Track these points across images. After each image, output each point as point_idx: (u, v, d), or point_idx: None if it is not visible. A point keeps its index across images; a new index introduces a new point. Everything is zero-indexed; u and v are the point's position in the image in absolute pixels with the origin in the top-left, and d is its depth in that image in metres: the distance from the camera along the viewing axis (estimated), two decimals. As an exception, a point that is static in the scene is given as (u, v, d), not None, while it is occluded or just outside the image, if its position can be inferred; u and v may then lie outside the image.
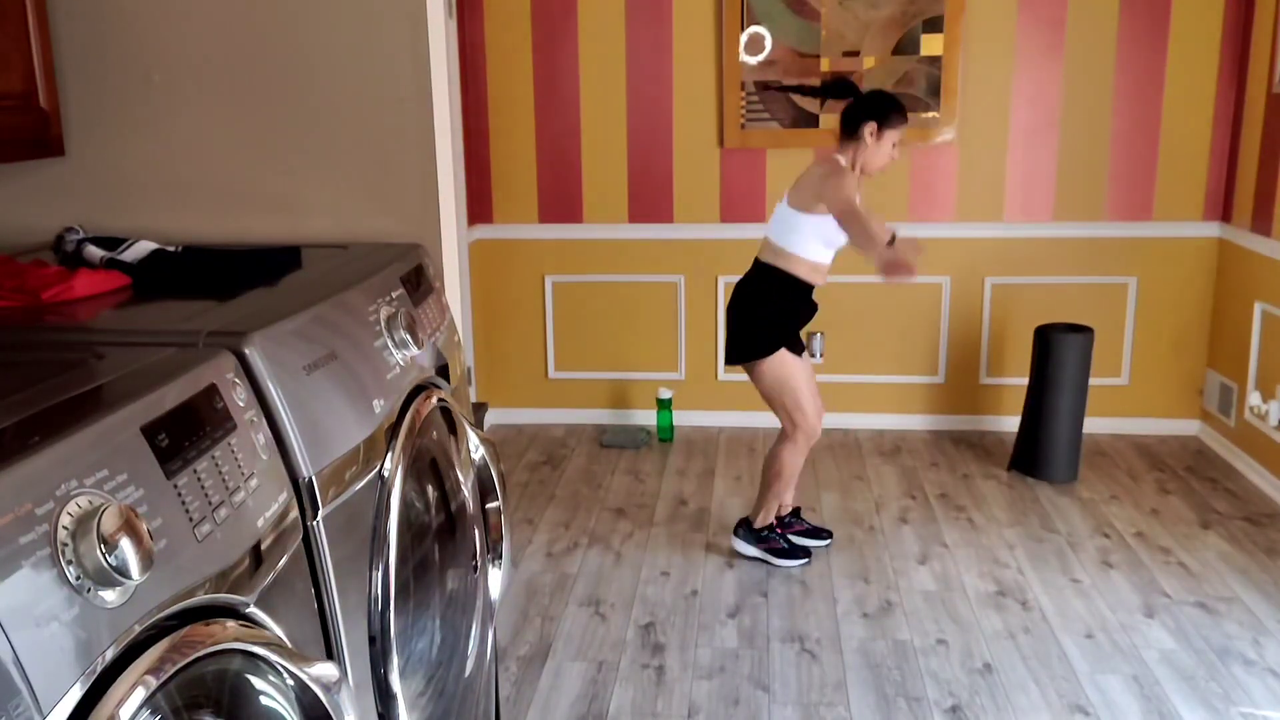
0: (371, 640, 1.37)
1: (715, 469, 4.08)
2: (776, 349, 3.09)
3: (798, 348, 3.16)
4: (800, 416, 3.14)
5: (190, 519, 0.98)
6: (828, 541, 3.37)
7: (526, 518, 3.65)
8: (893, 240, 2.93)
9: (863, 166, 3.06)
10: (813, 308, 3.18)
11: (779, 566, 3.25)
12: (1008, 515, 3.62)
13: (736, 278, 4.39)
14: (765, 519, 3.28)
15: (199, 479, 1.01)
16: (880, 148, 3.04)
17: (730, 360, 3.19)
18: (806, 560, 3.25)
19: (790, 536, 3.33)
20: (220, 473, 1.05)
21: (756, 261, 3.17)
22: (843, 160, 3.06)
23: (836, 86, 3.12)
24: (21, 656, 0.76)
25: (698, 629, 2.90)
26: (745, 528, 3.30)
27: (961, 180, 4.27)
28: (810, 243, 3.05)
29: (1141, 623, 2.89)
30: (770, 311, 3.11)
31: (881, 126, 3.02)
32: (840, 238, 3.04)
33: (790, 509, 3.39)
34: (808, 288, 3.12)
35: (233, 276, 1.61)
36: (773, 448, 3.25)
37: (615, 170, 4.39)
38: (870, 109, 3.03)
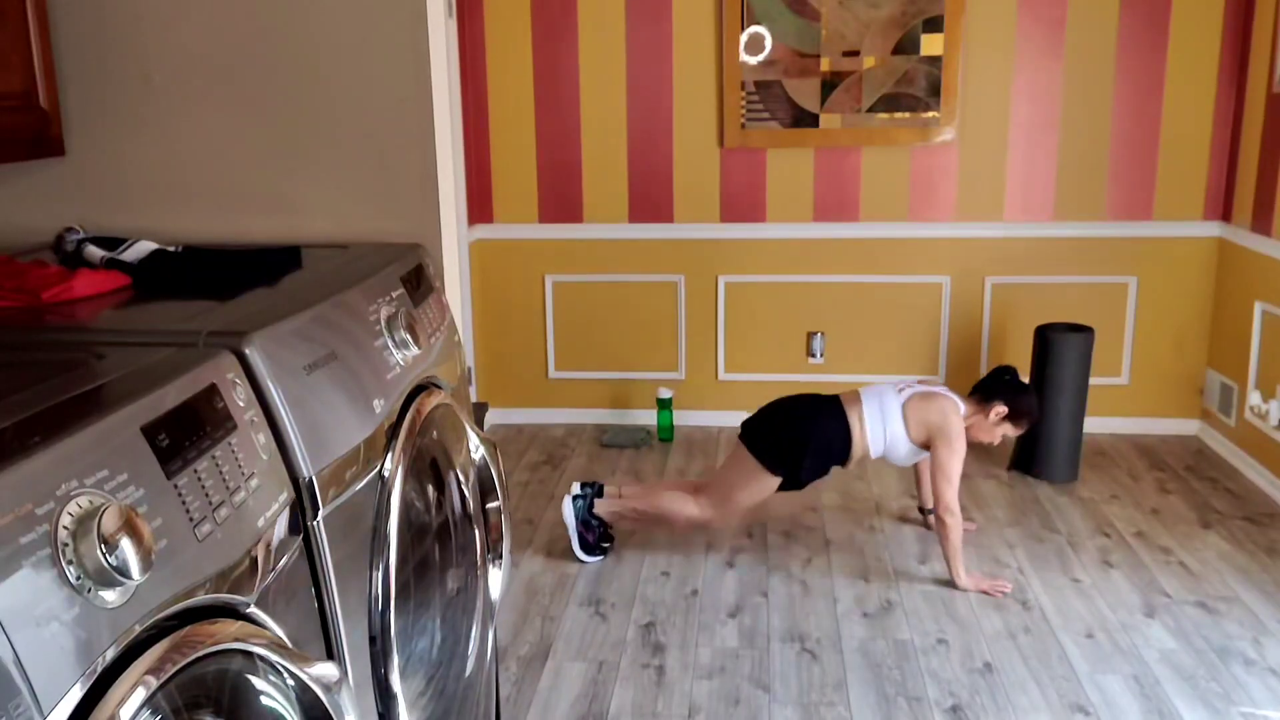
0: (372, 640, 1.37)
1: (715, 469, 4.08)
2: (778, 475, 3.07)
3: (790, 485, 3.12)
4: (724, 512, 3.13)
5: (190, 519, 0.98)
6: (598, 559, 3.30)
7: (527, 518, 3.65)
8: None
9: (969, 427, 3.12)
10: (827, 473, 3.16)
11: (572, 549, 3.27)
12: (1008, 515, 3.62)
13: (737, 278, 4.43)
14: (606, 511, 3.24)
15: (199, 479, 1.01)
16: (993, 430, 3.14)
17: (746, 439, 3.11)
18: (598, 558, 3.27)
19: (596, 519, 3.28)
20: (221, 473, 1.05)
21: (839, 401, 3.10)
22: (964, 410, 3.09)
23: (999, 371, 3.23)
24: (22, 656, 0.76)
25: (698, 629, 2.90)
26: (588, 500, 3.26)
27: (961, 180, 4.27)
28: (877, 444, 3.07)
29: (1142, 622, 2.89)
30: (812, 455, 3.06)
31: (1008, 416, 3.13)
32: (904, 460, 3.12)
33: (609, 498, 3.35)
34: (847, 457, 3.10)
35: (233, 276, 1.61)
36: (680, 502, 3.16)
37: (615, 170, 4.39)
38: (1011, 394, 3.13)
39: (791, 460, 3.05)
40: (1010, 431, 3.17)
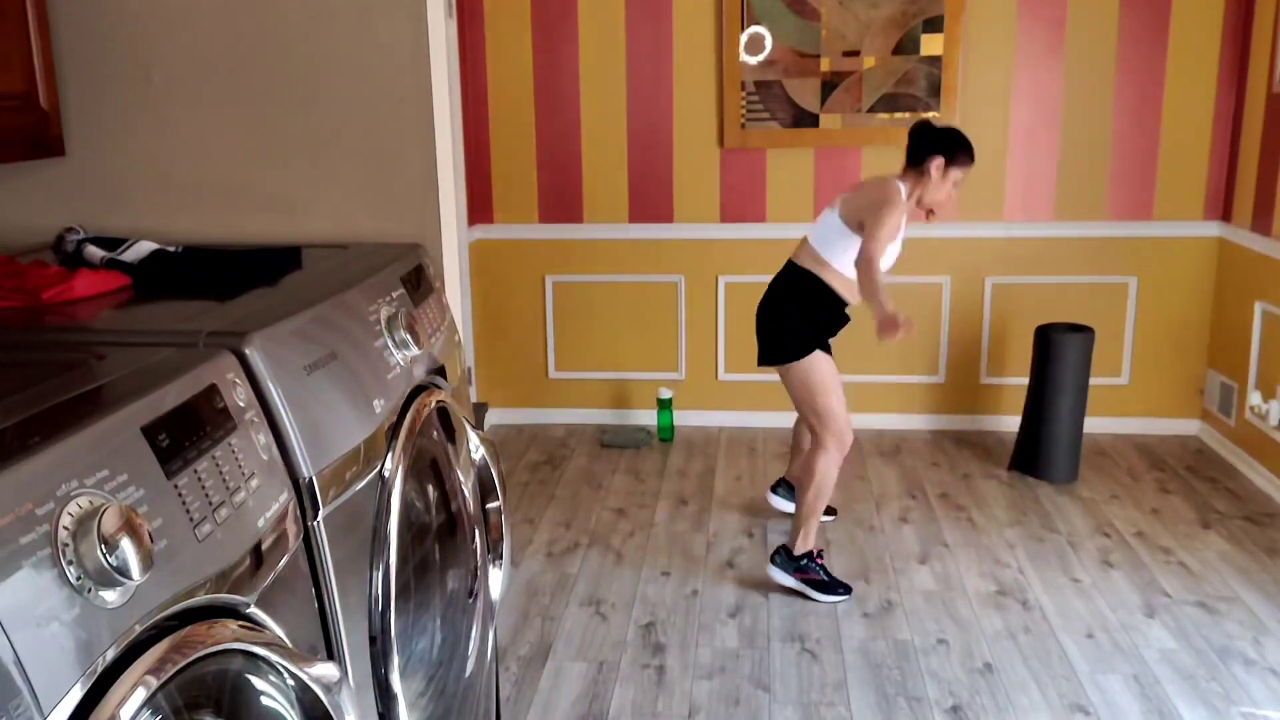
0: (372, 640, 1.37)
1: (716, 469, 4.08)
2: (810, 352, 3.04)
3: (828, 350, 3.11)
4: (831, 420, 3.06)
5: (191, 519, 0.98)
6: (832, 517, 3.36)
7: (527, 518, 3.65)
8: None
9: (919, 199, 3.04)
10: (845, 319, 3.15)
11: (818, 601, 3.05)
12: (1008, 515, 3.62)
13: (737, 278, 4.43)
14: (805, 544, 3.08)
15: (199, 479, 1.01)
16: (942, 185, 3.02)
17: (763, 361, 3.14)
18: (847, 595, 3.05)
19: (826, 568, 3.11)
20: (221, 473, 1.05)
21: (791, 264, 3.12)
22: (904, 189, 3.01)
23: (915, 129, 3.10)
24: (22, 657, 0.76)
25: (698, 629, 2.90)
26: (784, 555, 3.10)
27: (962, 180, 4.27)
28: (852, 259, 3.01)
29: (1142, 622, 2.89)
30: (804, 317, 3.07)
31: (948, 164, 3.00)
32: (886, 262, 3.01)
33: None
34: (842, 302, 3.10)
35: (233, 276, 1.61)
36: (806, 461, 3.12)
37: (615, 170, 4.39)
38: (940, 143, 3.01)
39: (797, 336, 3.04)
40: (958, 177, 3.01)
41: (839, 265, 3.05)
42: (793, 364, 3.06)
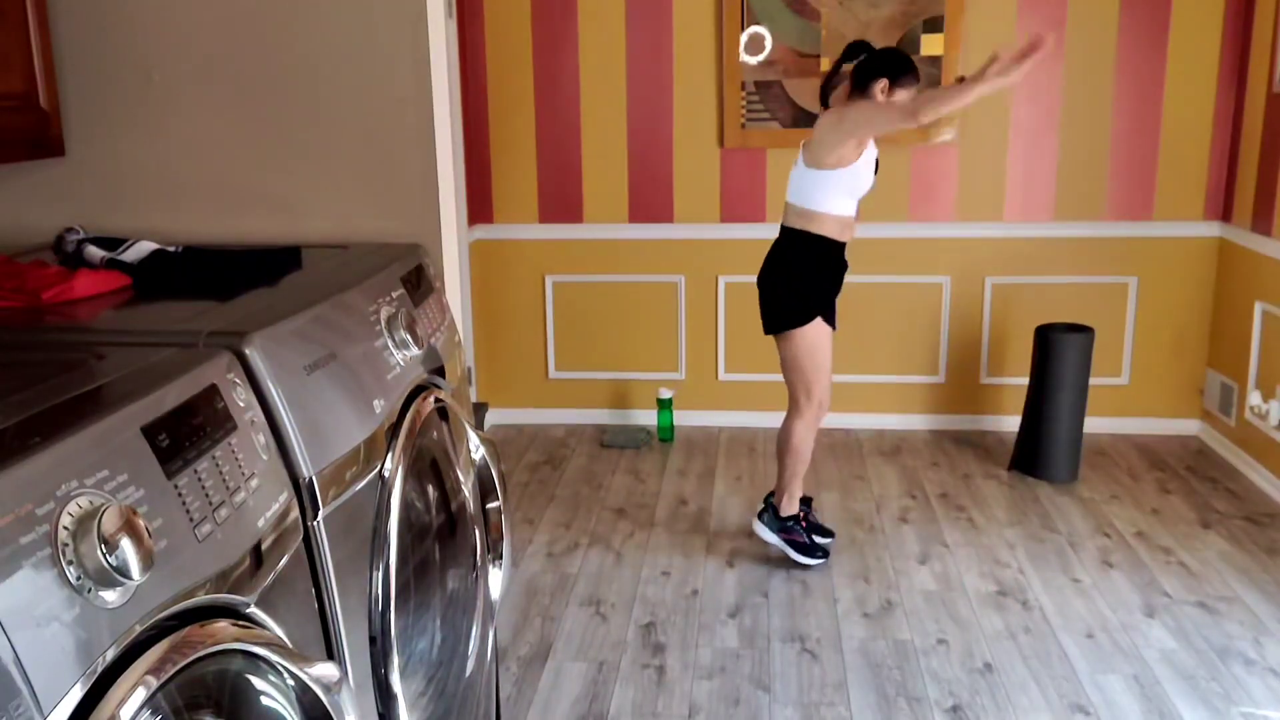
0: (372, 640, 1.37)
1: (716, 469, 4.08)
2: (813, 317, 3.06)
3: (830, 317, 3.13)
4: (817, 387, 3.12)
5: (191, 519, 0.98)
6: (830, 539, 3.35)
7: (527, 518, 3.65)
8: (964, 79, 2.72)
9: None
10: (844, 265, 3.15)
11: (797, 561, 3.22)
12: (1008, 515, 3.62)
13: (737, 278, 4.42)
14: (790, 505, 3.23)
15: (199, 479, 1.01)
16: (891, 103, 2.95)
17: (768, 330, 3.15)
18: (824, 559, 3.23)
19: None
20: (221, 473, 1.05)
21: (783, 229, 3.12)
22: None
23: (851, 48, 3.04)
24: (22, 657, 0.76)
25: (698, 629, 2.90)
26: (770, 512, 3.27)
27: (962, 180, 4.27)
28: (834, 197, 3.00)
29: (1142, 622, 2.89)
30: (806, 277, 3.07)
31: (893, 84, 2.93)
32: (863, 184, 2.99)
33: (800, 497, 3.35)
34: (839, 246, 3.09)
35: (233, 276, 1.61)
36: (784, 425, 3.21)
37: (615, 170, 4.39)
38: (883, 65, 2.96)
39: (801, 300, 3.05)
40: (905, 97, 2.91)
41: (826, 208, 3.02)
42: (796, 331, 3.07)
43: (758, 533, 3.29)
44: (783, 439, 3.22)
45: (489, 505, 1.93)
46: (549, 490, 3.89)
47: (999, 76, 2.60)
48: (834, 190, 3.00)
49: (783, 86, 4.21)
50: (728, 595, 3.09)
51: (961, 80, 2.72)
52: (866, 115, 2.91)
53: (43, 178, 2.05)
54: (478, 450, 1.88)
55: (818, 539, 3.31)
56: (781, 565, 3.26)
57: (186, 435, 1.02)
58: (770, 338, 3.20)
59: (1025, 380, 4.28)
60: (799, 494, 3.26)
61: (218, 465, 1.05)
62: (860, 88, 3.00)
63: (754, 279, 4.39)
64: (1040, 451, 3.90)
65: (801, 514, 3.27)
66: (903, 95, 2.93)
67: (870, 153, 3.04)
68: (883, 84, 2.95)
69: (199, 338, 1.21)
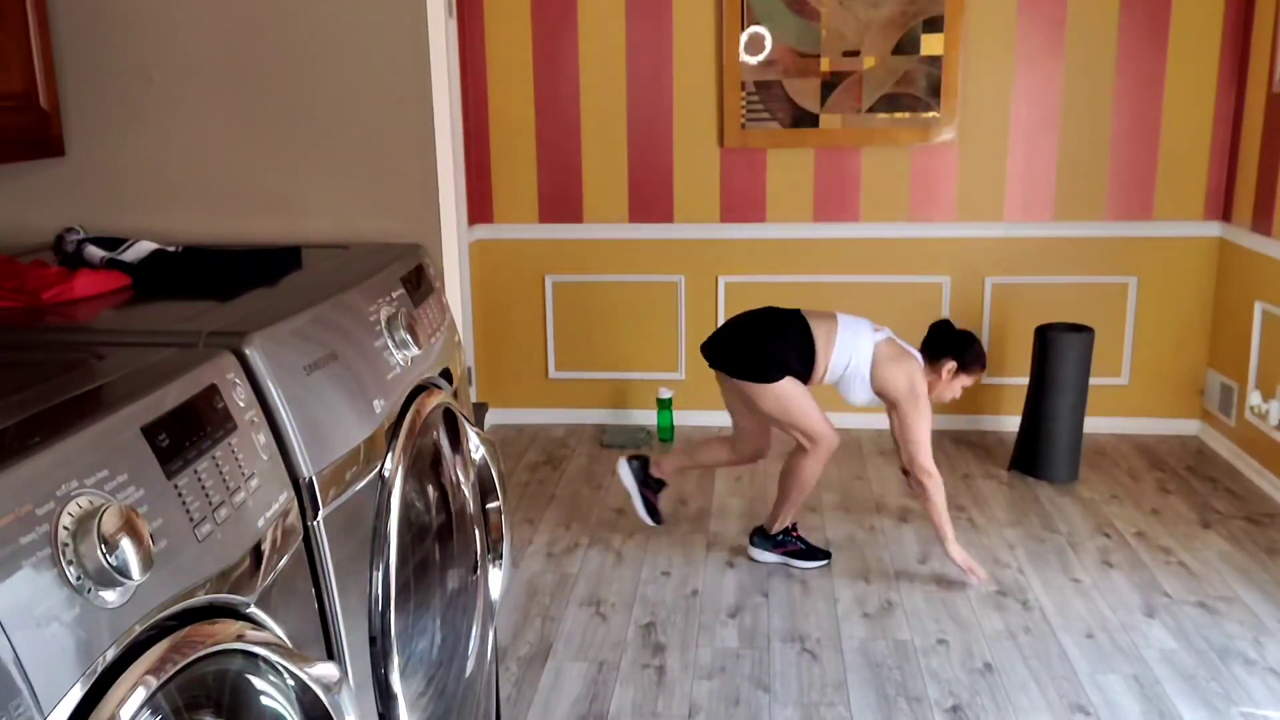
0: (372, 640, 1.37)
1: (716, 469, 4.08)
2: (781, 378, 3.05)
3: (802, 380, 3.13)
4: (817, 435, 3.09)
5: (191, 519, 0.98)
6: (825, 562, 3.27)
7: (527, 518, 3.65)
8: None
9: (931, 386, 3.15)
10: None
11: (800, 568, 3.23)
12: (1008, 515, 3.62)
13: (737, 278, 4.43)
14: (781, 526, 3.24)
15: (199, 479, 1.01)
16: (950, 386, 3.16)
17: (732, 373, 3.11)
18: (826, 561, 3.24)
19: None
20: (221, 473, 1.05)
21: (799, 314, 3.13)
22: (922, 378, 3.09)
23: (936, 326, 3.23)
24: (22, 657, 0.76)
25: (698, 629, 2.90)
26: (760, 535, 3.27)
27: (962, 180, 4.27)
28: (848, 373, 3.08)
29: (1142, 622, 2.89)
30: (789, 356, 3.08)
31: (959, 369, 3.13)
32: (858, 399, 3.13)
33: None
34: (810, 370, 3.11)
35: (233, 276, 1.61)
36: (791, 459, 3.18)
37: (615, 170, 4.39)
38: (956, 348, 3.13)
39: (774, 362, 3.05)
40: (966, 383, 3.16)
41: (835, 361, 3.08)
42: (765, 386, 3.06)
43: (754, 557, 3.29)
44: (791, 469, 3.17)
45: (489, 505, 1.93)
46: (549, 490, 3.89)
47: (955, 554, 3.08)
48: (848, 377, 3.10)
49: (783, 86, 4.21)
50: (728, 595, 3.09)
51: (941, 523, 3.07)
52: (911, 418, 3.05)
53: (43, 178, 2.05)
54: (478, 450, 1.88)
55: (805, 564, 3.25)
56: (781, 565, 3.26)
57: (186, 435, 1.02)
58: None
59: (1025, 380, 4.28)
60: (791, 518, 3.25)
61: (218, 465, 1.05)
62: (932, 356, 3.14)
63: (754, 278, 4.42)
64: (1040, 451, 3.90)
65: (790, 525, 3.26)
66: (964, 380, 3.16)
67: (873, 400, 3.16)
68: (951, 365, 3.12)
69: (199, 338, 1.21)
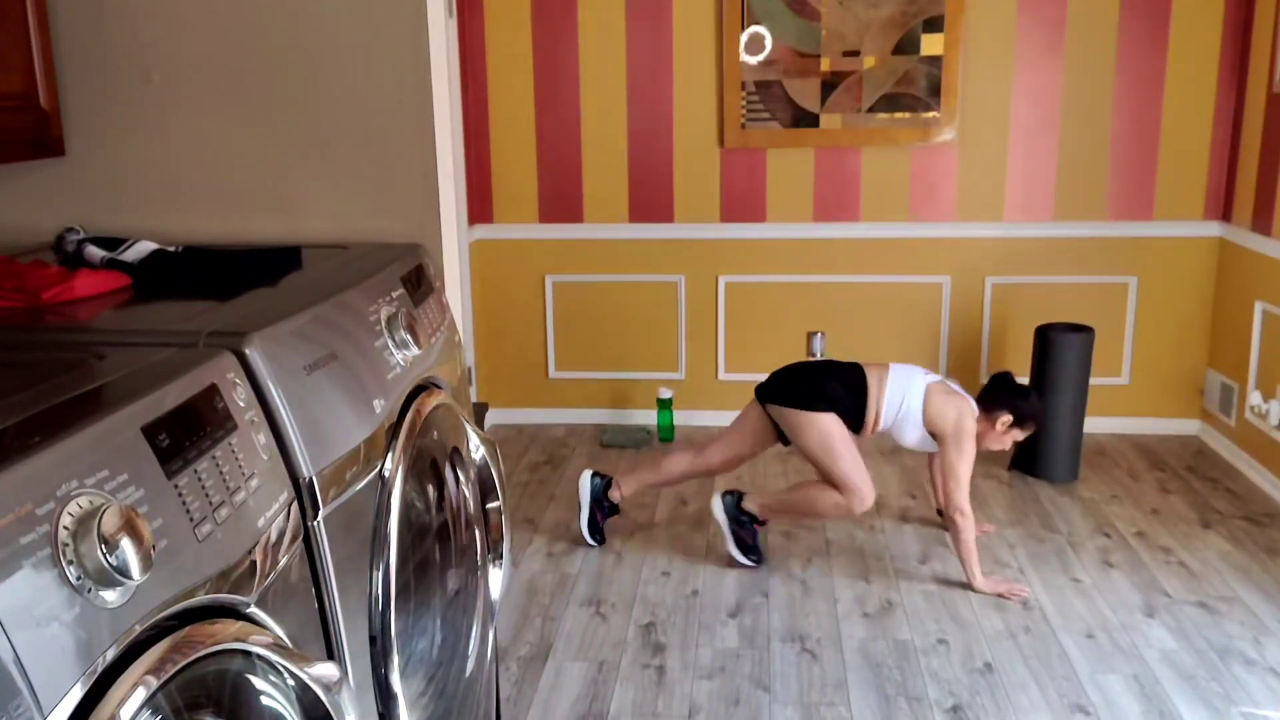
0: (372, 640, 1.37)
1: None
2: (827, 410, 3.05)
3: (851, 426, 3.13)
4: (851, 483, 3.03)
5: (191, 519, 0.98)
6: (754, 563, 3.22)
7: (527, 518, 3.65)
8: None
9: (978, 437, 3.16)
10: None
11: (729, 550, 3.22)
12: (1008, 515, 3.62)
13: (737, 278, 4.43)
14: (757, 510, 3.21)
15: (199, 479, 1.01)
16: (1001, 438, 3.18)
17: (781, 401, 3.10)
18: (755, 565, 3.22)
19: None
20: (221, 473, 1.05)
21: (858, 366, 3.16)
22: (975, 425, 3.10)
23: (997, 377, 3.27)
24: (22, 656, 0.76)
25: (698, 629, 2.90)
26: (734, 498, 3.23)
27: (962, 180, 4.27)
28: (900, 416, 3.10)
29: (1142, 622, 2.89)
30: (837, 392, 3.10)
31: (1014, 424, 3.15)
32: (910, 439, 3.14)
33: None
34: (862, 417, 3.12)
35: (233, 276, 1.61)
36: (817, 489, 3.10)
37: (615, 170, 4.39)
38: (1013, 401, 3.15)
39: (824, 395, 3.07)
40: (1018, 436, 3.19)
41: (888, 405, 3.11)
42: (807, 414, 3.04)
43: (714, 508, 3.24)
44: (814, 493, 3.11)
45: (489, 505, 1.93)
46: (549, 490, 3.89)
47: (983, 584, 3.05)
48: (900, 419, 3.12)
49: (783, 86, 4.21)
50: (728, 595, 3.09)
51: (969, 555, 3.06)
52: (954, 455, 3.06)
53: (43, 178, 2.05)
54: (478, 450, 1.88)
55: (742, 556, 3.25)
56: (781, 565, 3.26)
57: (186, 435, 1.02)
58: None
59: (1025, 380, 4.28)
60: (769, 513, 3.22)
61: (218, 465, 1.05)
62: (988, 407, 3.16)
63: (754, 278, 4.42)
64: (1040, 451, 3.90)
65: (763, 520, 3.23)
66: (1017, 434, 3.18)
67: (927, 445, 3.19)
68: (1006, 419, 3.14)
69: (199, 338, 1.21)
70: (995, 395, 3.19)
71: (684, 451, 3.38)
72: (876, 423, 3.13)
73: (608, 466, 4.10)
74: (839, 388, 3.10)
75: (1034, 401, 3.19)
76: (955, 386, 3.15)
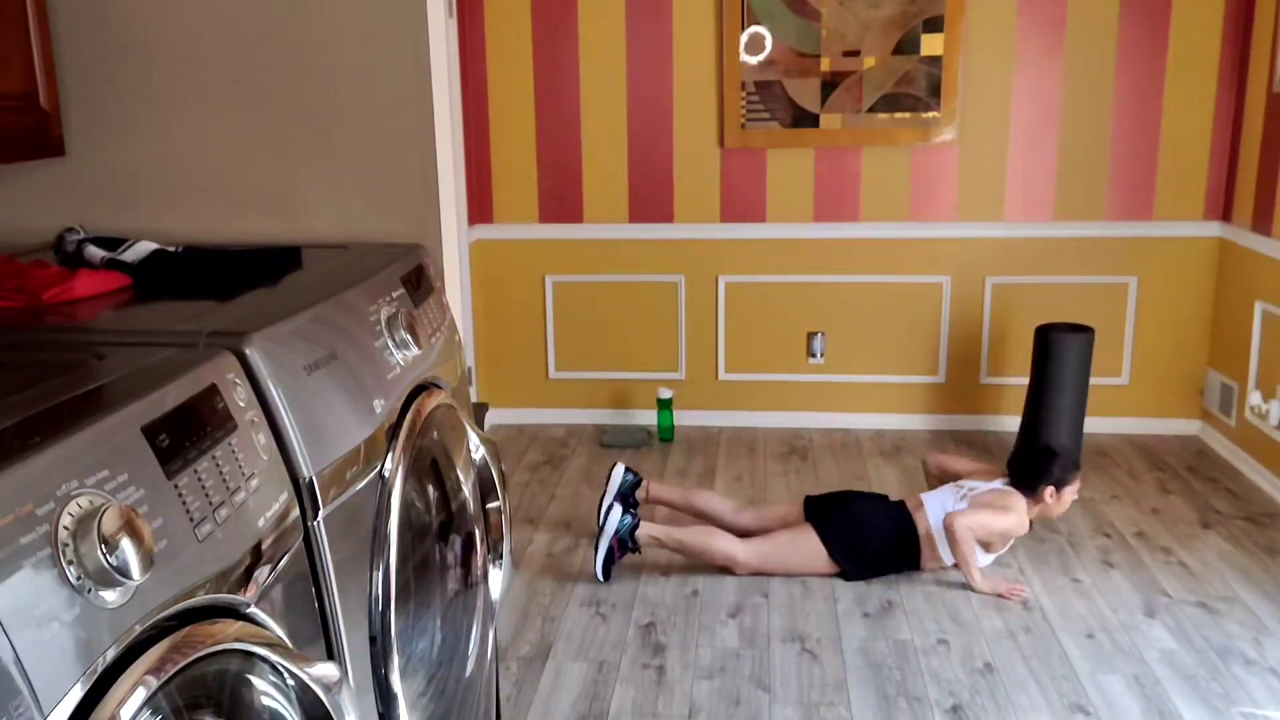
0: (372, 640, 1.37)
1: (716, 469, 4.08)
2: (837, 564, 3.13)
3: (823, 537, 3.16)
4: (758, 565, 3.14)
5: (191, 519, 0.98)
6: (599, 572, 3.15)
7: (527, 518, 3.65)
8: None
9: (1041, 513, 3.19)
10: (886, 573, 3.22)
11: (594, 555, 3.18)
12: (1008, 515, 3.61)
13: (737, 278, 4.43)
14: (647, 533, 3.13)
15: (200, 479, 1.01)
16: (1060, 503, 3.17)
17: (816, 525, 3.16)
18: (601, 581, 3.14)
19: (616, 547, 3.16)
20: (221, 473, 1.05)
21: (904, 506, 3.19)
22: (1025, 509, 3.14)
23: (1015, 465, 3.26)
24: (22, 657, 0.76)
25: (698, 629, 2.90)
26: (634, 516, 3.13)
27: (962, 180, 4.27)
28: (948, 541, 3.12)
29: (1142, 622, 2.89)
30: (893, 551, 3.15)
31: (1059, 488, 3.15)
32: (984, 558, 3.16)
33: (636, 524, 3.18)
34: (916, 557, 3.17)
35: (233, 276, 1.61)
36: (719, 537, 3.15)
37: (615, 170, 4.39)
38: (1044, 474, 3.15)
39: (858, 558, 3.12)
40: (1072, 495, 3.18)
41: (932, 518, 3.14)
42: (821, 552, 3.12)
43: (610, 515, 3.13)
44: (708, 545, 3.14)
45: (489, 505, 1.93)
46: (549, 490, 3.89)
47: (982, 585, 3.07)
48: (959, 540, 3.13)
49: (783, 86, 4.21)
50: (728, 595, 3.09)
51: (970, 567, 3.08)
52: (986, 518, 3.08)
53: (43, 178, 2.05)
54: (478, 450, 1.88)
55: (601, 566, 3.17)
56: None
57: (186, 435, 1.02)
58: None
59: (1025, 380, 4.28)
60: (655, 537, 3.15)
61: (218, 465, 1.05)
62: (1029, 489, 3.17)
63: (754, 278, 4.42)
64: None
65: (631, 546, 3.13)
66: (1069, 494, 3.17)
67: (1009, 545, 3.22)
68: (1050, 490, 3.15)
69: (199, 338, 1.21)
70: (1026, 478, 3.17)
71: (728, 543, 3.18)
72: (933, 551, 3.15)
73: (606, 467, 4.10)
74: (887, 559, 3.15)
75: (1064, 461, 3.17)
76: (999, 488, 3.17)
